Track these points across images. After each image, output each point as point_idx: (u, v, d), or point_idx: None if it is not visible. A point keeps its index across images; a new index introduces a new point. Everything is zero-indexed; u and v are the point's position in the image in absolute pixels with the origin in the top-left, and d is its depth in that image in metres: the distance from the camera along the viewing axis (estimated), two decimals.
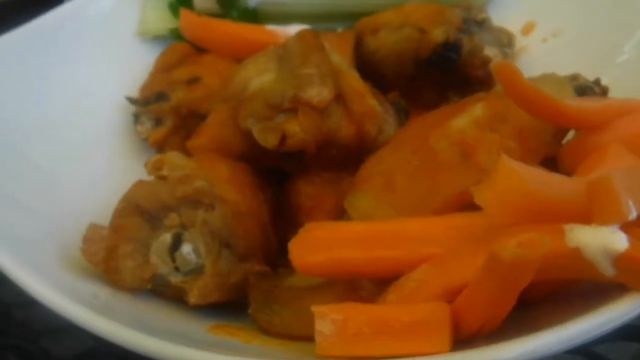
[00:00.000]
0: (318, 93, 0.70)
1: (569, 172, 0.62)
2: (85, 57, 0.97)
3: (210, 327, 0.66)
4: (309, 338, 0.55)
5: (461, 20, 0.87)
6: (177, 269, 0.67)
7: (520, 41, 0.98)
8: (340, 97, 0.72)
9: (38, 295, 0.61)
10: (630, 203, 0.49)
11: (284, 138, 0.70)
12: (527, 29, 0.99)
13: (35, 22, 0.93)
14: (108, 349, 0.60)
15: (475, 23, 0.89)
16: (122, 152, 0.93)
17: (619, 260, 0.49)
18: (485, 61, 0.84)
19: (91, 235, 0.68)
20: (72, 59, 0.95)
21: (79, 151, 0.89)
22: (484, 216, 0.56)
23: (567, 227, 0.51)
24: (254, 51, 0.82)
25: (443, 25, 0.84)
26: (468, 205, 0.58)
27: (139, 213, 0.68)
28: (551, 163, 0.67)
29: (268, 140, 0.70)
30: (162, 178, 0.69)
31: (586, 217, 0.51)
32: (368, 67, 0.86)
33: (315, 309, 0.53)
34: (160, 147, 0.89)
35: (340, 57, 0.80)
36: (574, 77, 0.76)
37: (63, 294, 0.61)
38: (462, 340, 0.53)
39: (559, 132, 0.68)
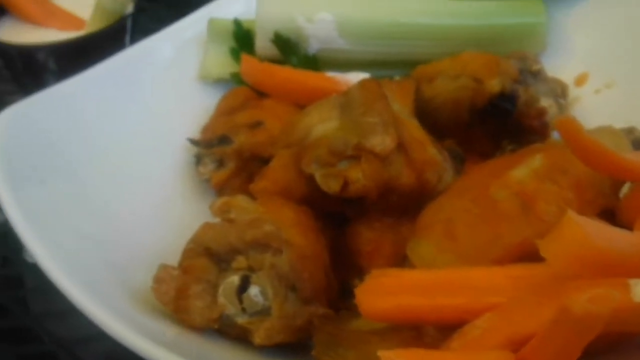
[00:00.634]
0: (381, 141, 0.71)
1: (626, 224, 0.63)
2: (148, 97, 0.99)
3: None
4: None
5: (517, 71, 0.88)
6: (243, 310, 0.68)
7: (572, 92, 0.98)
8: (401, 145, 0.73)
9: (111, 330, 0.63)
10: None
11: (346, 184, 0.71)
12: (580, 80, 1.00)
13: (104, 64, 0.96)
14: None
15: (531, 74, 0.90)
16: (181, 191, 0.95)
17: None
18: (541, 112, 0.86)
19: (162, 275, 0.70)
20: (137, 99, 0.98)
21: (140, 187, 0.91)
22: (546, 268, 0.56)
23: (632, 281, 0.51)
24: (314, 97, 0.84)
25: (499, 76, 0.86)
26: (527, 256, 0.59)
27: (208, 255, 0.70)
28: (607, 214, 0.68)
29: (330, 185, 0.72)
30: (230, 221, 0.71)
31: None
32: (423, 114, 0.87)
33: (382, 353, 0.54)
34: (221, 188, 0.91)
35: (401, 106, 0.81)
36: (630, 131, 0.77)
37: (134, 329, 0.63)
38: None
39: (616, 184, 0.69)
